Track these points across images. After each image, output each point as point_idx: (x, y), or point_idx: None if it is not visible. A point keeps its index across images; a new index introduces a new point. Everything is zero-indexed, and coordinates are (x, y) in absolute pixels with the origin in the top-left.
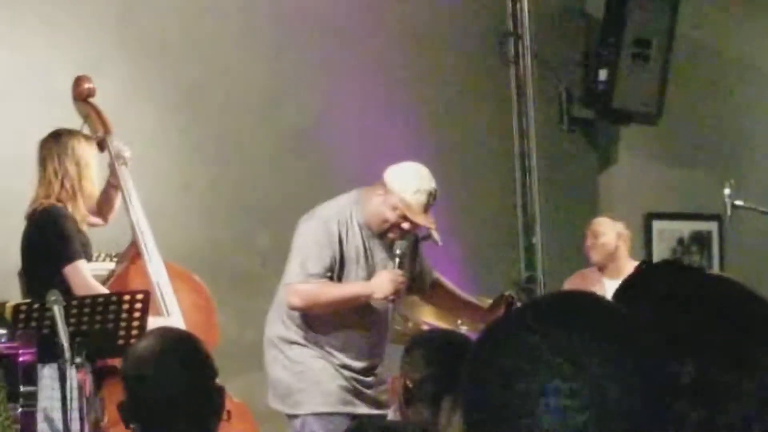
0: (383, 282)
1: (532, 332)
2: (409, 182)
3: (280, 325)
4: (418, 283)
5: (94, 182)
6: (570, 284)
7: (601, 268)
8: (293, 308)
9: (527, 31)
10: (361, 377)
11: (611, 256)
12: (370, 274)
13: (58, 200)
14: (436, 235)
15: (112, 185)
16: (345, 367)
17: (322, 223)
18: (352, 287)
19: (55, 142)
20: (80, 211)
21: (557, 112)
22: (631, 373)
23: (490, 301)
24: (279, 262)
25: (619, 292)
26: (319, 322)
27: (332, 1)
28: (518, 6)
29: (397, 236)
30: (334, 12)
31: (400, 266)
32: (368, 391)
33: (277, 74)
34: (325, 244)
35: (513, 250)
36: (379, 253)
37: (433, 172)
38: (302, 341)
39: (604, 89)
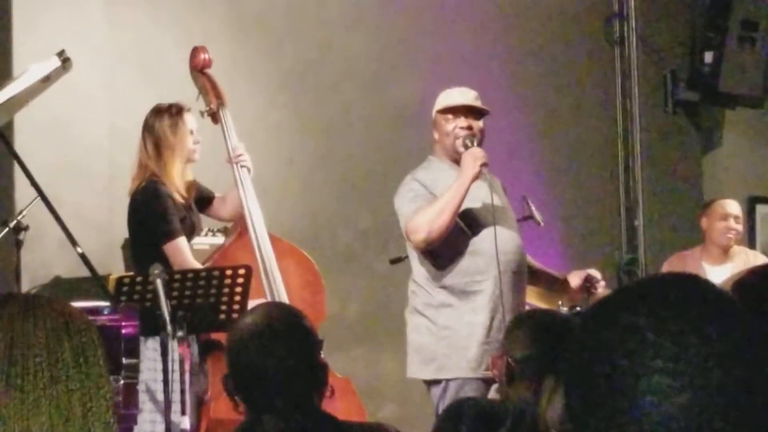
0: (466, 162)
1: (637, 312)
2: (437, 100)
3: (424, 293)
4: None
5: (178, 160)
6: (669, 266)
7: (724, 256)
8: (423, 242)
9: (633, 13)
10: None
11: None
12: (482, 209)
13: (154, 176)
14: (538, 215)
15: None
16: (489, 308)
17: (409, 181)
18: (450, 188)
19: (149, 119)
20: (172, 189)
21: (662, 95)
22: (734, 356)
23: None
24: (380, 240)
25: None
26: (454, 249)
27: None
28: None
29: (467, 134)
30: None
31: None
32: None
33: (381, 53)
34: (422, 192)
35: (615, 233)
36: (474, 192)
37: (535, 152)
38: (450, 299)
39: (709, 72)
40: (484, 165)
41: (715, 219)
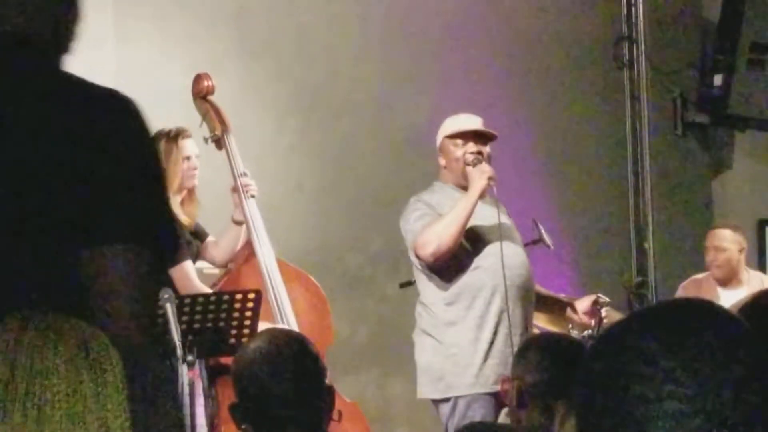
0: (473, 176)
1: (649, 338)
2: (443, 126)
3: (430, 314)
4: None
5: (169, 186)
6: (684, 290)
7: (723, 281)
8: (432, 256)
9: (642, 35)
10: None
11: (734, 270)
12: (488, 227)
13: None
14: (548, 239)
15: (235, 221)
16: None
17: (414, 202)
18: (458, 202)
19: None
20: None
21: (671, 117)
22: (745, 381)
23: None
24: (390, 264)
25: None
26: (460, 266)
27: (444, 6)
28: (633, 10)
29: (476, 160)
30: (446, 16)
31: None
32: None
33: (389, 77)
34: (428, 211)
35: (625, 255)
36: (480, 211)
37: (545, 175)
38: (456, 316)
39: (719, 94)
40: (491, 179)
41: (706, 250)
